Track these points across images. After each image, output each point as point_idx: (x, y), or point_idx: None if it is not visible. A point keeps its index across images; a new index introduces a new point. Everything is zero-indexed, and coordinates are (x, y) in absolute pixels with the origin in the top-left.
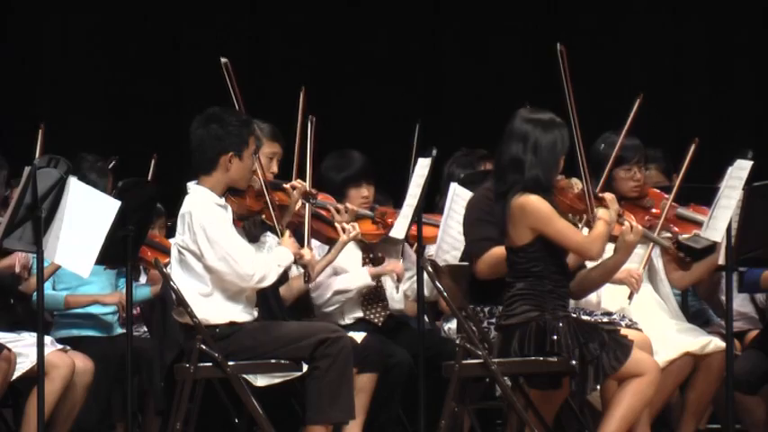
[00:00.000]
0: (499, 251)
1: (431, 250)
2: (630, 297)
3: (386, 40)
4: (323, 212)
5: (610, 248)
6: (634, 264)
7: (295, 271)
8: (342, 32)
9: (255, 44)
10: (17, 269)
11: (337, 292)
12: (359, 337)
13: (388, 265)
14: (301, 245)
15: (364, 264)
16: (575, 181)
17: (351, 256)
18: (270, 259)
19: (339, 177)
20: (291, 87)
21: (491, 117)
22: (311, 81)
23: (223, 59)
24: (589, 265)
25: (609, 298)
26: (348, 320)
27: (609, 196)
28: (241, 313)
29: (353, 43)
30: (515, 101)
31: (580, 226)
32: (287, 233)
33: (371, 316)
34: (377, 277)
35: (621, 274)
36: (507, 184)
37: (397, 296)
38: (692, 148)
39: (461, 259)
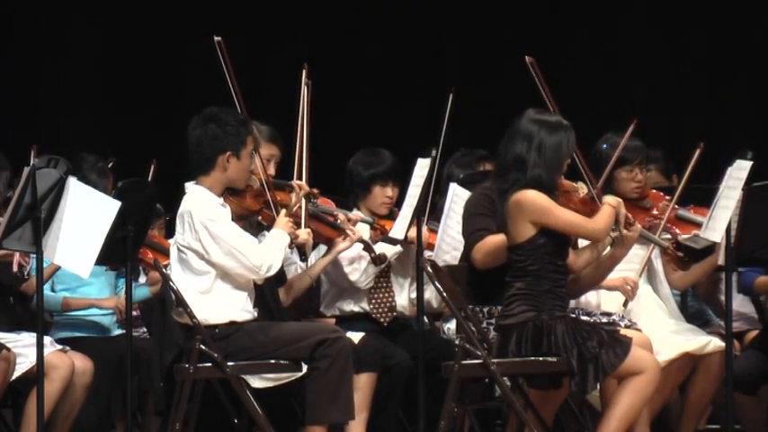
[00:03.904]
0: (494, 239)
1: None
2: (625, 305)
3: (387, 42)
4: (328, 216)
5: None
6: (635, 265)
7: (294, 270)
8: (343, 33)
9: (257, 45)
10: (15, 267)
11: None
12: (356, 337)
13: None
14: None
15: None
16: (580, 185)
17: (354, 254)
18: (270, 246)
19: (367, 173)
20: (290, 82)
21: (490, 118)
22: (313, 81)
23: (216, 38)
24: None
25: (608, 299)
26: (356, 308)
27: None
28: (241, 312)
29: (355, 45)
30: (517, 103)
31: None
32: (282, 212)
33: (378, 315)
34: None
35: (617, 282)
36: (509, 182)
37: (404, 302)
38: (697, 152)
39: (461, 260)
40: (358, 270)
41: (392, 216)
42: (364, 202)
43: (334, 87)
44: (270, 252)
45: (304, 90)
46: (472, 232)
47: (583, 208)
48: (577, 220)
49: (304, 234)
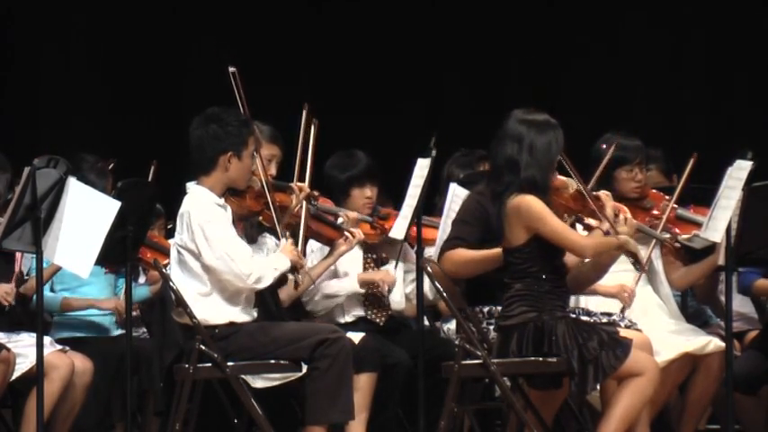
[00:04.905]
0: (464, 253)
1: (431, 251)
2: (623, 311)
3: (387, 43)
4: (329, 216)
5: None
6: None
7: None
8: (344, 34)
9: (257, 46)
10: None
11: (326, 296)
12: (357, 337)
13: (378, 273)
14: (296, 245)
15: (366, 265)
16: (570, 181)
17: (352, 257)
18: (268, 262)
19: (343, 177)
20: (294, 90)
21: (489, 118)
22: (314, 80)
23: (231, 69)
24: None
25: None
26: (349, 318)
27: (603, 194)
28: (240, 313)
29: (356, 45)
30: (513, 102)
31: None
32: (289, 241)
33: (373, 316)
34: (365, 284)
35: (614, 289)
36: (503, 184)
37: (398, 298)
38: (691, 162)
39: None
40: (312, 301)
41: (377, 213)
42: (345, 205)
43: (333, 88)
44: (264, 266)
45: (310, 127)
46: (448, 239)
47: (574, 204)
48: (569, 233)
49: (302, 260)
